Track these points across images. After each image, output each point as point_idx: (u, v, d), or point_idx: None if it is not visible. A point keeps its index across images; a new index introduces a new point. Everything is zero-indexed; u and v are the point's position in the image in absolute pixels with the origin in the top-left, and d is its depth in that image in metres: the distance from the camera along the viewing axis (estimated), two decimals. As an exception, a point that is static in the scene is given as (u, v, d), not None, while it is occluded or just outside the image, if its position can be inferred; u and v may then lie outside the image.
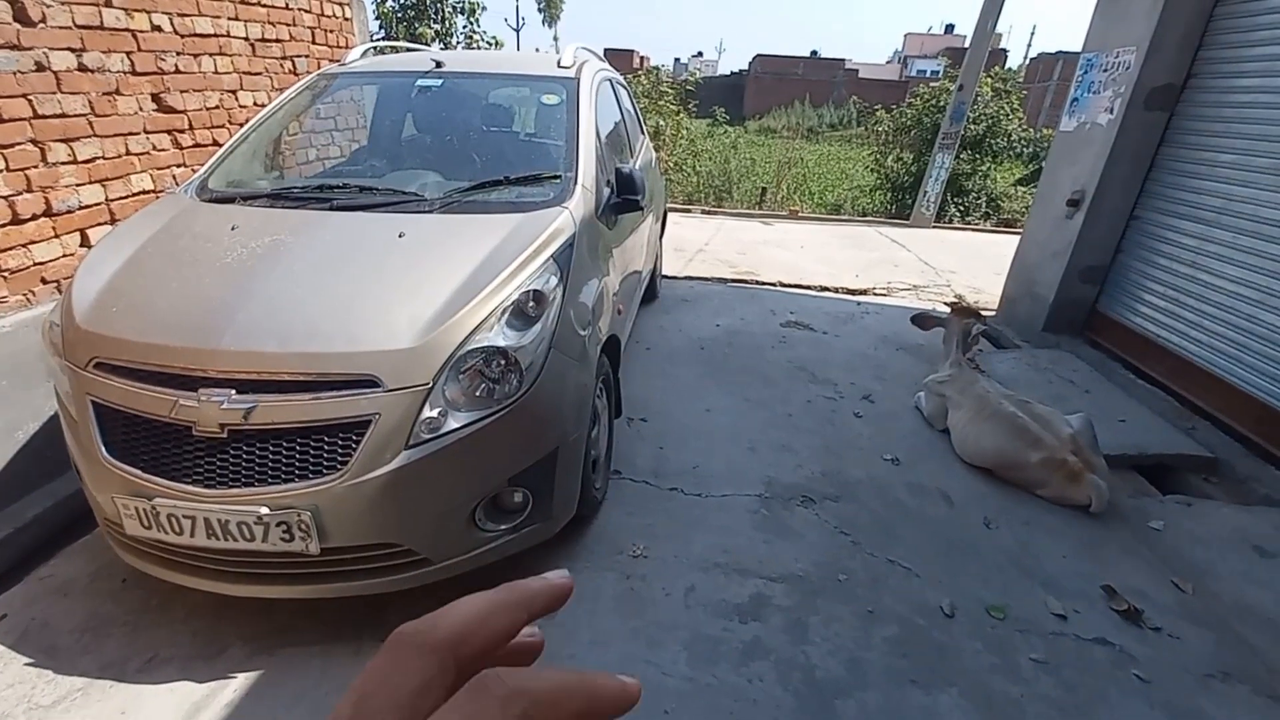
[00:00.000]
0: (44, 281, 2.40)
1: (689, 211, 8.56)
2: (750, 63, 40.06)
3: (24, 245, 2.34)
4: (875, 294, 5.39)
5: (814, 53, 49.38)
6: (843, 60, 39.19)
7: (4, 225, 2.26)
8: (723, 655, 1.83)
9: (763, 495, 2.56)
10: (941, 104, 9.27)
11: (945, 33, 61.01)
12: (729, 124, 23.56)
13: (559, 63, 2.90)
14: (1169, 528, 2.49)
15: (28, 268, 2.36)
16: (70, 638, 1.84)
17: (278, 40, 3.60)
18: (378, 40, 6.86)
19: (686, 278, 5.45)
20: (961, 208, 9.77)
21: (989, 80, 9.76)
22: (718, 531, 2.33)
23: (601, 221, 2.48)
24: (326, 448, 1.62)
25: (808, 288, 5.38)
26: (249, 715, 1.64)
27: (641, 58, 39.25)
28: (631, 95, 4.27)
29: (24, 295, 2.35)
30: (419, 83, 2.83)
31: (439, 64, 2.87)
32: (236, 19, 3.28)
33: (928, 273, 6.19)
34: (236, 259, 1.92)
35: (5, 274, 2.29)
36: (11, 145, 2.25)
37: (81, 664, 1.76)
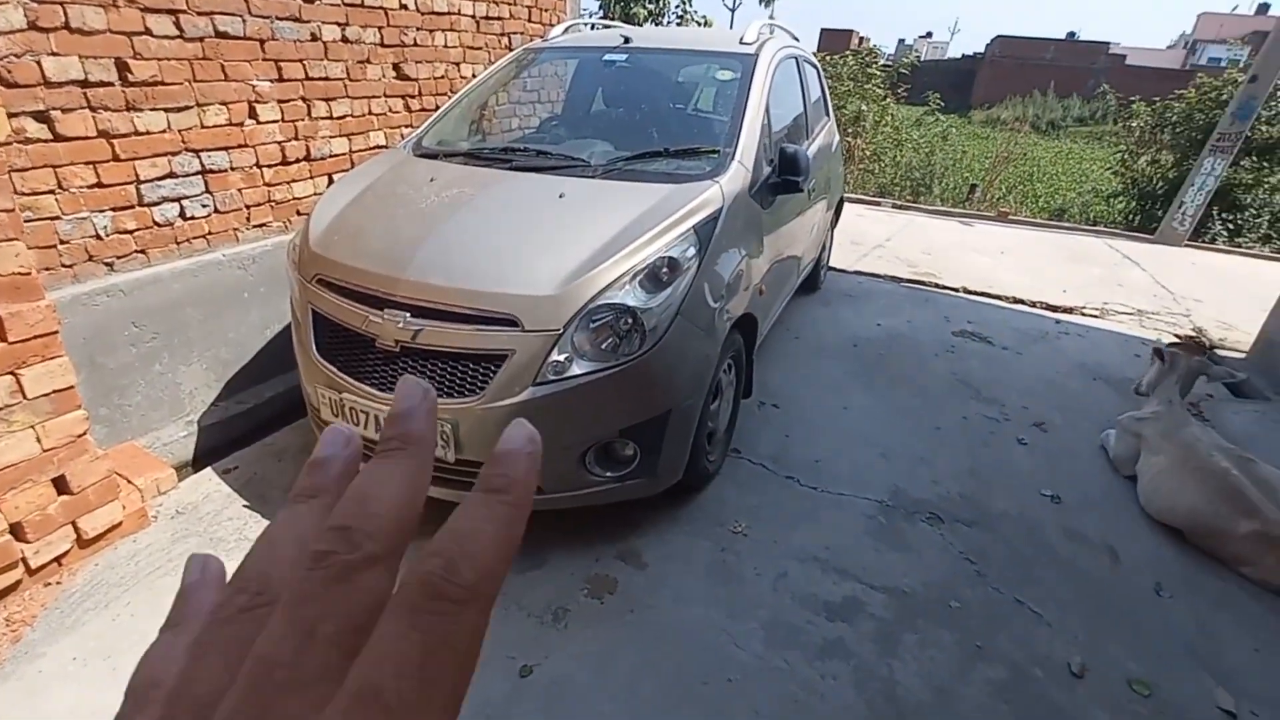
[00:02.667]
0: (298, 214, 2.99)
1: (878, 204, 8.03)
2: (988, 45, 35.80)
3: (288, 182, 2.94)
4: (1084, 314, 4.68)
5: (1071, 35, 42.49)
6: (1106, 44, 33.34)
7: (276, 165, 2.85)
8: (800, 644, 1.80)
9: (884, 503, 2.42)
10: (1224, 98, 7.60)
11: (1257, 13, 49.23)
12: (948, 113, 21.44)
13: (741, 39, 2.90)
14: None
15: (289, 200, 2.96)
16: (277, 491, 2.33)
17: (499, 18, 4.02)
18: (590, 18, 7.30)
19: (856, 272, 5.17)
20: (1231, 225, 7.99)
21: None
22: (825, 527, 2.26)
23: (756, 200, 2.47)
24: (470, 373, 1.86)
25: (997, 298, 4.82)
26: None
27: (861, 38, 36.89)
28: (822, 76, 4.11)
29: (283, 222, 2.96)
30: (605, 57, 3.01)
31: (627, 40, 3.02)
32: (468, -1, 3.73)
33: (1162, 298, 5.20)
34: (429, 205, 2.24)
35: (273, 204, 2.89)
36: (288, 100, 2.83)
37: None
